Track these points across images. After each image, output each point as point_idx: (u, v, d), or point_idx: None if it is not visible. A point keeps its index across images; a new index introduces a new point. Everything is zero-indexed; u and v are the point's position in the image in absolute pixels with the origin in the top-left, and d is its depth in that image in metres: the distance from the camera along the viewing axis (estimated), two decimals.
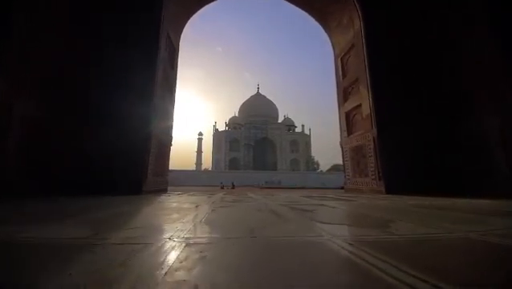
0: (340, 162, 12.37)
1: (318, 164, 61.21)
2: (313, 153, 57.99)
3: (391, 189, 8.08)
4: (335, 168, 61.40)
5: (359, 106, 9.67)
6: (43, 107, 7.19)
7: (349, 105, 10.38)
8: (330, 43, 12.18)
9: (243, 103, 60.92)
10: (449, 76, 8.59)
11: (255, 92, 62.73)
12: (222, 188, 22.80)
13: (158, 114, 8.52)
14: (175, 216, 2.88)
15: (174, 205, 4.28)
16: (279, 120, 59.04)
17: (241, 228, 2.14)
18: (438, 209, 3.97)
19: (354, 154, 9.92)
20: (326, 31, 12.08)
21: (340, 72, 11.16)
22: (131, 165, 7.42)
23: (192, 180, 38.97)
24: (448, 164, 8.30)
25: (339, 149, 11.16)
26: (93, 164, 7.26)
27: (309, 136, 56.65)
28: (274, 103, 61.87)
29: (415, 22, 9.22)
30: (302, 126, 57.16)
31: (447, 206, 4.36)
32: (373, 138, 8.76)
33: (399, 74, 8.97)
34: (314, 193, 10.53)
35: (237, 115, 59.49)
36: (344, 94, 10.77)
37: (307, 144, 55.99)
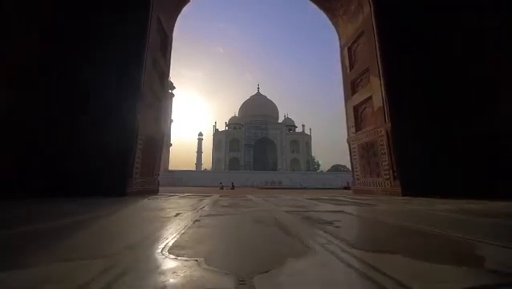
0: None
1: (318, 165, 60.16)
2: (313, 153, 56.95)
3: (408, 190, 7.07)
4: (335, 168, 60.42)
5: (370, 98, 8.66)
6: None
7: (358, 98, 9.37)
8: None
9: (243, 103, 59.92)
10: (474, 63, 7.56)
11: (255, 92, 61.77)
12: (222, 188, 21.81)
13: (146, 106, 7.52)
14: (137, 236, 1.88)
15: (149, 214, 3.27)
16: (280, 120, 58.02)
17: (228, 265, 1.14)
18: (494, 217, 2.97)
19: (364, 152, 8.91)
20: (331, 20, 11.07)
21: (347, 63, 10.16)
22: (113, 164, 6.41)
23: (192, 180, 37.96)
24: (473, 162, 7.28)
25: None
26: (69, 164, 6.26)
27: (309, 136, 55.61)
28: (275, 103, 60.92)
29: (431, 2, 8.21)
30: (303, 126, 56.12)
31: (501, 212, 3.37)
32: (386, 133, 7.75)
33: (414, 60, 7.96)
34: (319, 194, 9.51)
35: (237, 115, 58.49)
36: (352, 86, 9.76)
37: (308, 144, 54.94)
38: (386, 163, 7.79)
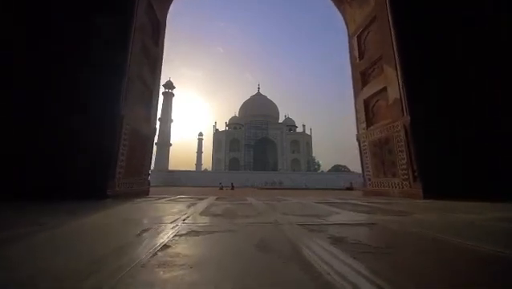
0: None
1: (319, 165, 59.16)
2: (313, 154, 55.95)
3: (430, 192, 6.10)
4: (335, 168, 59.39)
5: (384, 90, 7.69)
6: None
7: (369, 90, 8.40)
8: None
9: (243, 103, 58.97)
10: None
11: (256, 92, 60.84)
12: (221, 189, 20.87)
13: (134, 96, 6.56)
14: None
15: (102, 231, 2.30)
16: (280, 120, 57.06)
17: None
18: None
19: (377, 149, 7.93)
20: (338, 7, 10.12)
21: (356, 53, 9.19)
22: (91, 162, 5.44)
23: (192, 181, 37.01)
24: (500, 162, 6.31)
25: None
26: (36, 161, 5.29)
27: (310, 137, 54.64)
28: (275, 103, 59.97)
29: None
30: (303, 126, 55.15)
31: None
32: (404, 128, 6.78)
33: (437, 47, 6.99)
34: (325, 195, 8.53)
35: (237, 115, 57.53)
36: (363, 78, 8.79)
37: (308, 145, 53.96)
38: (404, 161, 6.82)
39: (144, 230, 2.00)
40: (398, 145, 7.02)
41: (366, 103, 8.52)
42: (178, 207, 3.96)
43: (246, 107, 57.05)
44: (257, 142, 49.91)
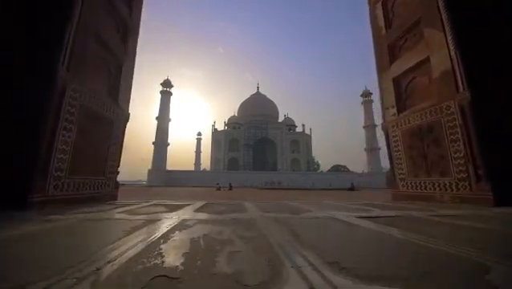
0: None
1: (318, 165, 57.17)
2: (313, 154, 53.96)
3: (504, 197, 4.14)
4: (335, 168, 57.34)
5: (425, 62, 5.71)
6: None
7: (401, 66, 6.41)
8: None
9: (243, 103, 56.90)
10: None
11: (255, 91, 58.85)
12: (219, 189, 18.85)
13: (88, 61, 4.55)
14: None
15: None
16: (279, 120, 55.06)
17: None
18: None
19: (414, 140, 5.94)
20: None
21: (381, 22, 7.21)
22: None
23: (190, 180, 34.86)
24: None
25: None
26: None
27: (310, 136, 52.63)
28: (275, 102, 57.97)
29: None
30: (303, 126, 53.10)
31: None
32: (460, 109, 4.80)
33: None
34: (339, 199, 6.50)
35: (236, 114, 55.48)
36: (391, 52, 6.81)
37: (308, 144, 51.94)
38: (460, 155, 4.83)
39: None
40: (450, 133, 5.04)
41: (396, 82, 6.53)
42: (128, 227, 1.95)
43: (246, 106, 54.92)
44: (256, 142, 47.86)
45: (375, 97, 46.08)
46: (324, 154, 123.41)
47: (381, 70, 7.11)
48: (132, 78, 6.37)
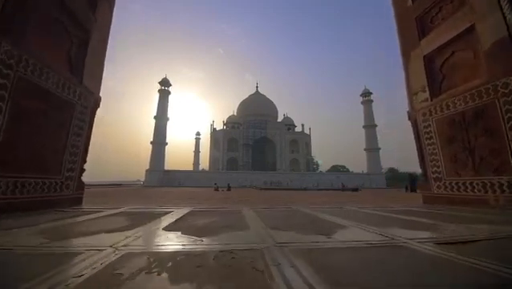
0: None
1: (317, 165, 55.97)
2: (312, 154, 52.71)
3: None
4: (334, 168, 56.13)
5: (468, 32, 4.47)
6: None
7: (435, 40, 5.15)
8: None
9: (242, 102, 55.55)
10: None
11: (254, 91, 57.56)
12: (217, 189, 17.53)
13: (31, 22, 3.26)
14: None
15: None
16: (279, 120, 53.78)
17: None
18: None
19: (453, 131, 4.68)
20: None
21: None
22: None
23: (189, 180, 33.49)
24: None
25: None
26: None
27: (309, 136, 51.39)
28: (274, 102, 56.71)
29: None
30: (302, 125, 51.83)
31: None
32: None
33: None
34: (358, 201, 5.20)
35: (235, 114, 54.15)
36: (420, 25, 5.55)
37: (307, 144, 50.69)
38: None
39: None
40: (509, 118, 3.79)
41: (429, 60, 5.27)
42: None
43: (245, 106, 53.58)
44: (255, 141, 46.54)
45: (375, 97, 44.95)
46: (324, 154, 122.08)
47: (407, 49, 5.85)
48: (104, 54, 5.07)
